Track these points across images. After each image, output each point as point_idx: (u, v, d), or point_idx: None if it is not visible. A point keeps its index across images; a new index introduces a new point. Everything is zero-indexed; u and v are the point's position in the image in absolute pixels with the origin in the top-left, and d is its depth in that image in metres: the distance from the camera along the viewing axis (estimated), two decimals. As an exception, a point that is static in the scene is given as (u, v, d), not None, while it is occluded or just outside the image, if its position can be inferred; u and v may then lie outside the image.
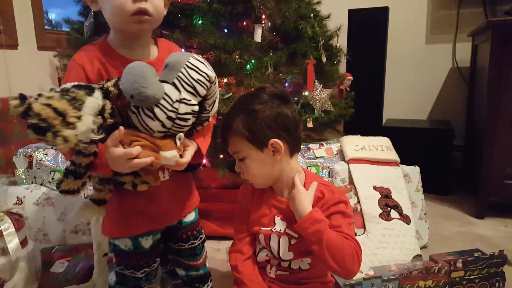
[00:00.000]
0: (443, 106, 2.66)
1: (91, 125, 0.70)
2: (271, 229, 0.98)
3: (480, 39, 2.17)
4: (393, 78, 2.68)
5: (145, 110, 0.76)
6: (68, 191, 0.77)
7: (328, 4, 2.06)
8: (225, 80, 1.65)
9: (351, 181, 1.53)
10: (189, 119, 0.80)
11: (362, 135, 2.19)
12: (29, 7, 2.12)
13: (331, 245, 0.86)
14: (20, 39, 2.07)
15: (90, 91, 0.72)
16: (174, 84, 0.77)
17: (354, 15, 2.42)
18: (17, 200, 1.27)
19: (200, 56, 0.83)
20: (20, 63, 2.05)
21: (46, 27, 2.29)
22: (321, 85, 1.72)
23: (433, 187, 2.17)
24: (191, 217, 1.01)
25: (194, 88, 0.78)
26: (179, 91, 0.77)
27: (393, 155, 1.60)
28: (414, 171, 1.62)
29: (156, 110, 0.76)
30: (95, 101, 0.71)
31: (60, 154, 1.37)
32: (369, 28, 2.39)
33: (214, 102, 0.86)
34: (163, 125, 0.77)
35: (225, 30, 1.63)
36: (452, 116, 2.59)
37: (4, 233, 1.06)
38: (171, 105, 0.76)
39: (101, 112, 0.74)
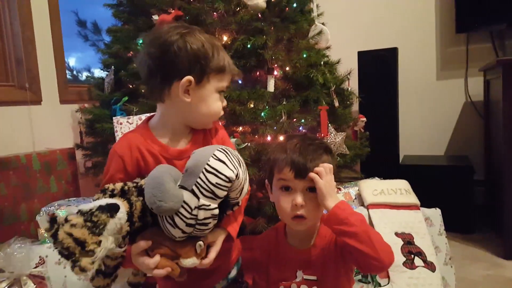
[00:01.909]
0: (460, 140, 2.64)
1: (109, 246, 0.73)
2: (292, 281, 0.97)
3: (492, 75, 2.18)
4: (407, 115, 2.69)
5: (166, 217, 0.79)
6: (99, 286, 0.83)
7: (338, 47, 2.11)
8: (240, 128, 1.68)
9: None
10: (209, 223, 0.81)
11: (380, 173, 2.18)
12: (53, 63, 2.24)
13: (369, 228, 0.86)
14: (43, 95, 2.16)
15: (113, 212, 0.75)
16: (192, 191, 0.78)
17: (363, 56, 2.47)
18: (40, 260, 1.29)
19: (224, 150, 0.82)
20: (43, 117, 2.14)
21: (68, 76, 2.40)
22: (335, 129, 1.74)
23: (456, 226, 2.11)
24: (235, 271, 1.03)
25: (213, 192, 0.78)
26: (198, 197, 0.78)
27: (413, 199, 1.57)
28: (436, 213, 1.59)
29: (176, 218, 0.78)
30: (116, 221, 0.75)
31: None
32: (379, 69, 2.44)
33: (242, 189, 0.85)
34: (183, 232, 0.79)
35: (240, 81, 1.68)
36: (469, 150, 2.56)
37: (28, 297, 1.07)
38: (189, 213, 0.77)
39: (129, 217, 0.78)
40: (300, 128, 1.77)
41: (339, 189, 1.68)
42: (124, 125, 1.30)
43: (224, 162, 0.79)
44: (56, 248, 0.70)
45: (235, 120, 1.59)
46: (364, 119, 1.99)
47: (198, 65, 0.84)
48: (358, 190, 1.65)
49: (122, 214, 0.76)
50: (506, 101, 1.81)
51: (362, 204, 1.59)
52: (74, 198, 1.51)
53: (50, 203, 1.44)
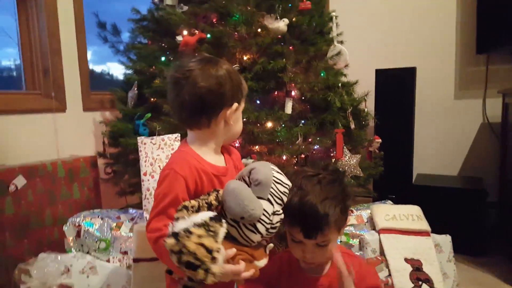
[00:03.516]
0: (475, 161, 2.64)
1: (224, 254, 0.80)
2: None
3: (511, 99, 2.18)
4: (423, 133, 2.70)
5: (247, 225, 0.87)
6: None
7: (356, 64, 2.14)
8: (257, 147, 1.73)
9: (382, 252, 1.54)
10: (278, 226, 0.91)
11: (392, 192, 2.21)
12: (77, 73, 2.32)
13: None
14: (68, 103, 2.25)
15: (221, 221, 0.82)
16: (268, 200, 0.89)
17: (381, 74, 2.49)
18: (65, 268, 1.37)
19: (273, 165, 0.94)
20: (67, 125, 2.23)
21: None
22: (350, 150, 1.77)
23: (466, 248, 2.13)
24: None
25: (281, 199, 0.91)
26: (273, 205, 0.89)
27: (424, 225, 1.60)
28: (446, 240, 1.61)
29: (258, 225, 0.87)
30: (224, 230, 0.82)
31: (105, 224, 1.47)
32: (397, 87, 2.45)
33: None
34: (262, 236, 0.89)
35: (258, 102, 1.73)
36: (484, 172, 2.56)
37: (56, 307, 1.15)
38: (268, 219, 0.88)
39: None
40: (316, 147, 1.82)
41: (352, 211, 1.72)
42: (148, 145, 1.36)
43: (282, 174, 0.93)
44: (184, 260, 0.75)
45: (253, 140, 1.64)
46: (379, 140, 2.02)
47: (239, 93, 0.98)
48: (370, 213, 1.68)
49: (224, 223, 0.83)
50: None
51: (374, 228, 1.62)
52: (98, 210, 1.59)
53: (76, 214, 1.52)
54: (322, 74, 1.82)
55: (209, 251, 0.76)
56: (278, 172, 0.92)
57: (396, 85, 2.46)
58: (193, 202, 0.86)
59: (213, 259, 0.77)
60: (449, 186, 2.31)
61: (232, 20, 1.68)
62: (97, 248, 1.44)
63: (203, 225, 0.79)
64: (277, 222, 0.90)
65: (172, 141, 1.38)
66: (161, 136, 1.39)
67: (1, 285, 1.72)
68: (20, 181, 1.77)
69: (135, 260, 1.30)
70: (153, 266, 1.29)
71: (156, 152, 1.36)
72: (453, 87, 2.69)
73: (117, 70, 3.11)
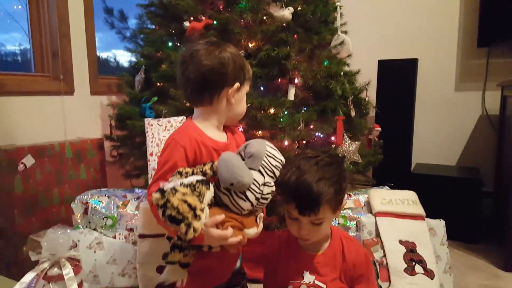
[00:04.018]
0: (472, 152, 2.69)
1: (208, 214, 0.88)
2: (300, 282, 1.07)
3: (509, 92, 2.22)
4: (423, 124, 2.75)
5: (238, 193, 0.93)
6: (173, 262, 0.94)
7: (359, 54, 2.18)
8: (260, 133, 1.78)
9: (378, 234, 1.60)
10: (269, 197, 0.97)
11: (391, 180, 2.26)
12: (85, 56, 2.37)
13: None
14: (76, 86, 2.30)
15: (208, 185, 0.90)
16: (259, 171, 0.95)
17: (383, 65, 2.53)
18: (73, 244, 1.43)
19: (269, 142, 1.00)
20: (75, 107, 2.28)
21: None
22: (350, 138, 1.82)
23: (461, 235, 2.19)
24: (239, 262, 1.16)
25: (273, 172, 0.97)
26: (263, 176, 0.95)
27: (419, 210, 1.66)
28: (440, 224, 1.67)
29: (248, 193, 0.93)
30: (211, 194, 0.90)
31: (112, 202, 1.53)
32: (398, 78, 2.49)
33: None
34: (252, 205, 0.94)
35: (261, 88, 1.78)
36: (481, 162, 2.61)
37: (66, 277, 1.21)
38: (258, 188, 0.93)
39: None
40: (317, 134, 1.87)
41: (349, 195, 1.78)
42: (155, 127, 1.41)
43: (276, 150, 0.99)
44: (168, 214, 0.82)
45: (256, 125, 1.69)
46: (379, 128, 2.07)
47: (242, 74, 1.04)
48: (367, 197, 1.74)
49: (211, 188, 0.91)
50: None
51: (370, 211, 1.68)
52: (105, 189, 1.65)
53: (84, 192, 1.58)
54: (325, 63, 1.87)
55: (192, 208, 0.83)
56: (272, 147, 0.98)
57: (398, 76, 2.50)
58: (187, 169, 0.93)
59: (196, 216, 0.83)
60: (446, 175, 2.37)
61: (239, 7, 1.72)
62: (104, 224, 1.50)
63: (190, 185, 0.86)
64: (267, 194, 0.95)
65: (178, 123, 1.43)
66: (167, 118, 1.44)
67: (10, 261, 1.79)
68: (29, 161, 1.83)
69: (141, 236, 1.37)
70: (158, 242, 1.35)
71: (163, 133, 1.42)
72: (454, 79, 2.72)
73: (122, 56, 3.15)
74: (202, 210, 0.85)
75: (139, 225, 1.37)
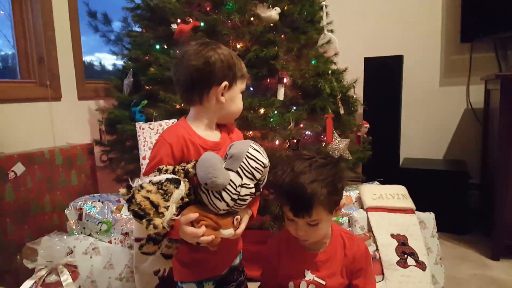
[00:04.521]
0: (458, 146, 2.75)
1: (174, 211, 0.90)
2: (300, 280, 1.09)
3: (492, 86, 2.28)
4: (409, 119, 2.80)
5: (214, 193, 0.94)
6: (148, 253, 0.97)
7: (345, 52, 2.20)
8: (251, 133, 1.80)
9: (370, 229, 1.63)
10: (247, 199, 0.98)
11: (380, 175, 2.30)
12: (71, 61, 2.34)
13: None
14: (63, 91, 2.28)
15: (177, 184, 0.91)
16: (237, 172, 0.96)
17: (369, 62, 2.57)
18: (69, 250, 1.42)
19: (257, 144, 1.01)
20: (63, 113, 2.26)
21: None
22: (339, 135, 1.85)
23: (449, 227, 2.25)
24: (238, 259, 1.17)
25: (252, 174, 0.97)
26: (241, 177, 0.96)
27: (409, 203, 1.70)
28: (429, 217, 1.71)
29: (223, 193, 0.94)
30: (180, 192, 0.91)
31: (106, 207, 1.53)
32: (385, 75, 2.53)
33: (265, 178, 1.04)
34: (228, 205, 0.95)
35: (251, 89, 1.79)
36: (467, 155, 2.68)
37: (64, 284, 1.21)
38: (235, 189, 0.94)
39: (182, 196, 0.93)
40: (307, 133, 1.90)
41: (341, 192, 1.80)
42: (146, 130, 1.42)
43: (260, 152, 0.99)
44: (131, 209, 0.86)
45: (247, 126, 1.71)
46: (367, 125, 2.11)
47: (230, 72, 1.04)
48: (358, 193, 1.77)
49: (182, 186, 0.92)
50: (503, 113, 1.92)
51: (362, 207, 1.71)
52: (98, 194, 1.65)
53: (77, 198, 1.57)
54: (313, 62, 1.89)
55: (155, 205, 0.86)
56: (255, 149, 0.98)
57: (384, 73, 2.54)
58: (168, 166, 0.95)
59: (159, 214, 0.87)
60: (434, 169, 2.42)
61: (226, 9, 1.73)
62: (99, 230, 1.50)
63: (157, 183, 0.89)
64: (245, 195, 0.96)
65: (169, 125, 1.44)
66: (159, 122, 1.44)
67: (4, 270, 1.77)
68: (19, 168, 1.81)
69: (137, 240, 1.37)
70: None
71: (154, 137, 1.42)
72: (438, 74, 2.78)
73: (107, 60, 3.13)
74: (166, 207, 0.88)
75: (135, 229, 1.37)
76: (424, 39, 2.77)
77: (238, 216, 0.99)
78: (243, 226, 1.00)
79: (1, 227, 1.74)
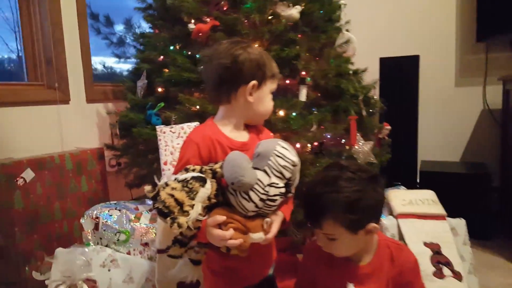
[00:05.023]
0: (476, 147, 2.68)
1: (199, 211, 0.86)
2: None
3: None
4: (425, 121, 2.73)
5: (242, 193, 0.90)
6: (174, 256, 0.95)
7: (360, 53, 2.13)
8: (271, 135, 1.72)
9: (401, 237, 1.56)
10: (277, 199, 0.92)
11: (398, 179, 2.23)
12: (80, 63, 2.26)
13: None
14: (71, 94, 2.20)
15: (203, 182, 0.88)
16: (265, 171, 0.91)
17: (385, 63, 2.51)
18: (85, 262, 1.34)
19: (285, 142, 0.97)
20: (71, 116, 2.18)
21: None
22: (363, 138, 1.78)
23: (472, 232, 2.15)
24: (271, 270, 1.11)
25: (281, 173, 0.92)
26: (269, 176, 0.91)
27: (440, 209, 1.62)
28: (461, 224, 1.64)
29: (251, 193, 0.89)
30: (205, 191, 0.88)
31: (123, 216, 1.45)
32: (401, 75, 2.47)
33: (296, 179, 0.98)
34: (256, 206, 0.90)
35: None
36: (485, 157, 2.61)
37: (83, 300, 1.13)
38: (263, 189, 0.90)
39: (208, 195, 0.90)
40: (329, 135, 1.82)
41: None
42: (168, 134, 1.34)
43: (288, 150, 0.94)
44: (156, 207, 0.84)
45: (269, 128, 1.63)
46: (389, 127, 2.04)
47: (259, 71, 1.01)
48: (386, 199, 1.69)
49: (208, 185, 0.89)
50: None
51: (391, 213, 1.64)
52: (114, 202, 1.57)
53: (93, 206, 1.49)
54: (331, 62, 1.82)
55: (179, 203, 0.83)
56: (284, 147, 0.94)
57: (400, 73, 2.47)
58: (196, 166, 0.93)
59: (184, 212, 0.83)
60: (455, 172, 2.35)
61: (245, 8, 1.65)
62: (117, 240, 1.42)
63: (182, 181, 0.86)
64: (275, 195, 0.91)
65: (191, 129, 1.36)
66: (181, 125, 1.37)
67: (11, 281, 1.68)
68: (28, 174, 1.73)
69: (159, 251, 1.29)
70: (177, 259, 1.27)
71: (176, 140, 1.34)
72: (453, 74, 2.72)
73: (108, 63, 3.05)
74: (191, 206, 0.85)
75: (157, 240, 1.29)
76: (439, 38, 2.71)
77: (268, 219, 0.93)
78: (274, 230, 0.95)
79: (10, 237, 1.66)
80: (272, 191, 0.91)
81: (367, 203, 0.95)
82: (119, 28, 2.63)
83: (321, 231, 0.98)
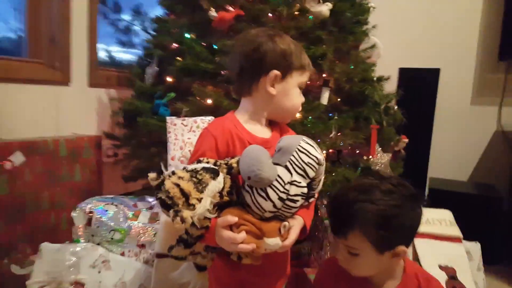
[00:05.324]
0: (485, 168, 2.59)
1: (208, 206, 0.76)
2: None
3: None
4: (438, 137, 2.64)
5: (259, 190, 0.80)
6: (177, 257, 0.85)
7: (379, 60, 2.03)
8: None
9: (415, 257, 1.46)
10: (298, 200, 0.82)
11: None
12: (85, 43, 2.12)
13: None
14: (72, 76, 2.05)
15: (215, 175, 0.79)
16: (286, 167, 0.81)
17: (404, 73, 2.41)
18: (73, 261, 1.20)
19: (310, 139, 0.86)
20: (70, 99, 2.03)
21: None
22: (381, 149, 1.68)
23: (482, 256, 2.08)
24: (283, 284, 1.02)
25: (304, 170, 0.82)
26: (291, 173, 0.81)
27: (456, 231, 1.54)
28: (476, 248, 1.55)
29: (269, 190, 0.80)
30: (217, 184, 0.78)
31: (120, 212, 1.31)
32: (419, 88, 2.37)
33: (320, 180, 0.88)
34: (274, 205, 0.80)
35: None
36: (494, 179, 2.52)
37: (71, 306, 0.99)
38: (283, 187, 0.80)
39: (220, 191, 0.80)
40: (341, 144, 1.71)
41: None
42: (178, 127, 1.21)
43: (313, 146, 0.84)
44: (159, 197, 0.75)
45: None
46: (406, 140, 1.94)
47: (284, 61, 0.92)
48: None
49: (221, 179, 0.79)
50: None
51: (407, 232, 1.53)
52: (111, 196, 1.43)
53: (87, 199, 1.35)
54: (351, 66, 1.71)
55: (185, 194, 0.74)
56: (308, 143, 0.84)
57: (419, 86, 2.38)
58: (210, 159, 0.85)
59: (189, 205, 0.74)
60: (467, 192, 2.26)
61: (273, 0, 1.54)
62: (110, 239, 1.28)
63: (192, 171, 0.78)
64: (295, 195, 0.81)
65: (205, 123, 1.24)
66: (193, 118, 1.24)
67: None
68: (18, 158, 1.59)
69: (159, 256, 1.15)
70: (179, 264, 1.14)
71: (187, 135, 1.22)
72: (470, 92, 2.63)
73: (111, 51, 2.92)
74: (198, 200, 0.75)
75: (158, 242, 1.15)
76: (459, 53, 2.61)
77: (287, 223, 0.83)
78: (292, 236, 0.84)
79: (-9, 226, 1.52)
80: (293, 190, 0.81)
81: (403, 223, 0.85)
82: (126, 17, 2.54)
83: (344, 242, 0.88)
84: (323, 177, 0.89)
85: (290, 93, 0.94)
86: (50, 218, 1.71)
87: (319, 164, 0.83)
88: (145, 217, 1.31)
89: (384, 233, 0.84)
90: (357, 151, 1.74)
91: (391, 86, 2.04)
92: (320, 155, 0.84)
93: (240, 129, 0.93)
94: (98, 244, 1.29)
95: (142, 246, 1.28)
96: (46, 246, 1.21)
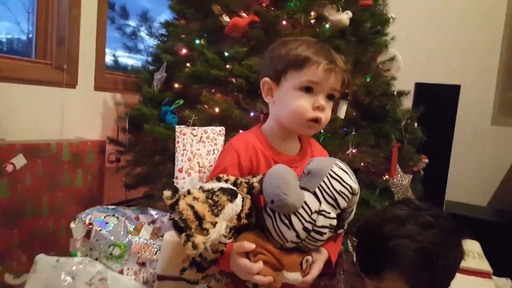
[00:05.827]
0: (506, 194, 2.47)
1: (222, 232, 0.71)
2: None
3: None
4: (457, 158, 2.52)
5: (282, 216, 0.73)
6: (189, 281, 0.79)
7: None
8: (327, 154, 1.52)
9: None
10: (325, 233, 0.75)
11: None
12: (93, 46, 2.07)
13: None
14: (80, 78, 2.00)
15: (233, 197, 0.73)
16: (315, 194, 0.74)
17: (421, 88, 2.31)
18: (69, 277, 1.11)
19: (344, 163, 0.78)
20: (76, 103, 1.97)
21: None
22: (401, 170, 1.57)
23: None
24: None
25: (335, 200, 0.74)
26: (320, 201, 0.73)
27: (486, 265, 1.42)
28: (507, 285, 1.44)
29: (293, 218, 0.73)
30: (234, 208, 0.72)
31: (121, 225, 1.22)
32: (438, 105, 2.26)
33: (352, 211, 0.80)
34: (298, 236, 0.73)
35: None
36: (513, 206, 2.40)
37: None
38: (309, 216, 0.73)
39: (238, 213, 0.74)
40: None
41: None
42: (188, 136, 1.13)
43: (347, 173, 0.76)
44: (172, 218, 0.70)
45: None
46: (427, 160, 1.84)
47: (272, 65, 0.87)
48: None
49: (239, 201, 0.74)
50: None
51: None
52: (112, 206, 1.34)
53: (89, 209, 1.26)
54: (368, 79, 1.62)
55: (199, 217, 0.69)
56: (341, 169, 0.76)
57: (437, 103, 2.27)
58: (230, 177, 0.79)
59: (203, 230, 0.69)
60: (485, 219, 2.14)
61: (289, 6, 1.46)
62: (109, 254, 1.18)
63: (208, 191, 0.73)
64: (323, 227, 0.73)
65: (216, 134, 1.15)
66: (204, 128, 1.16)
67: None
68: (19, 161, 1.53)
69: (160, 278, 1.06)
70: (183, 287, 1.05)
71: (196, 145, 1.13)
72: (491, 112, 2.52)
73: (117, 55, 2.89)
74: (213, 224, 0.69)
75: (159, 263, 1.06)
76: (480, 71, 2.53)
77: (310, 257, 0.76)
78: (315, 272, 0.77)
79: (-13, 230, 1.45)
80: (321, 221, 0.73)
81: (447, 264, 0.75)
82: (132, 23, 2.60)
83: (377, 284, 0.77)
84: (355, 208, 0.80)
85: (287, 97, 0.84)
86: (48, 224, 1.63)
87: (352, 194, 0.75)
88: (147, 232, 1.22)
89: (428, 276, 0.74)
90: (372, 170, 1.63)
91: (407, 102, 1.95)
92: (355, 183, 0.76)
93: (265, 145, 0.88)
94: (96, 259, 1.20)
95: (143, 264, 1.18)
96: (41, 259, 1.12)
